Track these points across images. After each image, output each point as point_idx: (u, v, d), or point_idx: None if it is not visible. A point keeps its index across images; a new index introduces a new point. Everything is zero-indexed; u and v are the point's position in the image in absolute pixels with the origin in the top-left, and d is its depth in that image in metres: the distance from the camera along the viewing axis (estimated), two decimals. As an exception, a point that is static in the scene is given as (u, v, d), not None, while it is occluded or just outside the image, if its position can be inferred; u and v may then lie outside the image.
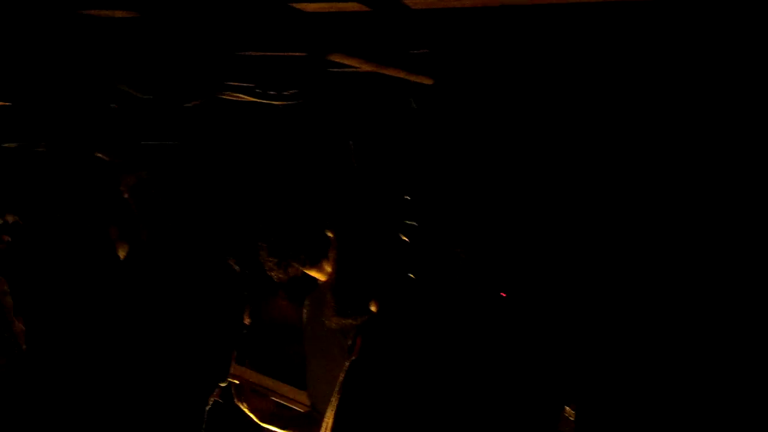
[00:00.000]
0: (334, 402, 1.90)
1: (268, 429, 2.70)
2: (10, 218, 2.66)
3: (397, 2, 1.40)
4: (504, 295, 2.46)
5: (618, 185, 2.46)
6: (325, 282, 2.29)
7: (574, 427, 2.37)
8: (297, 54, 1.96)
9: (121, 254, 2.40)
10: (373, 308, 2.05)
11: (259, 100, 2.16)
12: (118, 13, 1.60)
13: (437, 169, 2.29)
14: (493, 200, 2.39)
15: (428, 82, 1.90)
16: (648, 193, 2.44)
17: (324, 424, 1.91)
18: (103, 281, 2.10)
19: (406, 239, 2.05)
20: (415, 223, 2.05)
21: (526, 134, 2.34)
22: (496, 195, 2.36)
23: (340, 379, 1.92)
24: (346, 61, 1.54)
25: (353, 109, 2.34)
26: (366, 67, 1.60)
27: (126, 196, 2.27)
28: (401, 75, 1.76)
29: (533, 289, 2.63)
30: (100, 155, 2.25)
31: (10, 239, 2.52)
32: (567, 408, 2.33)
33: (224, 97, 2.19)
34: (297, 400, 2.64)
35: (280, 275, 2.78)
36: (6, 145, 2.57)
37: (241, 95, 2.13)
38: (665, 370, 2.46)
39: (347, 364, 1.96)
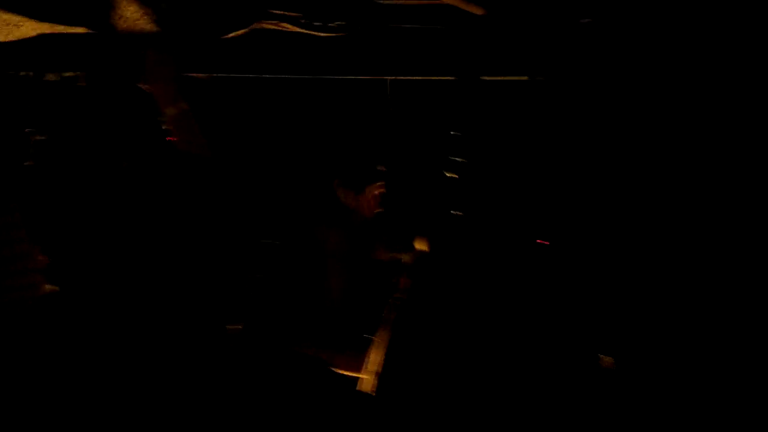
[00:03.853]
0: (384, 338, 1.90)
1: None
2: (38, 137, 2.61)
3: None
4: (546, 243, 2.44)
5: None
6: (373, 216, 2.27)
7: (614, 376, 2.36)
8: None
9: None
10: (420, 245, 2.04)
11: (303, 31, 2.11)
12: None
13: (484, 106, 2.25)
14: (540, 144, 2.35)
15: (479, 11, 1.84)
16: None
17: (371, 360, 1.91)
18: (133, 214, 2.04)
19: (454, 176, 2.02)
20: (462, 160, 2.03)
21: (578, 75, 2.29)
22: (544, 137, 2.32)
23: (387, 315, 1.92)
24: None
25: (397, 43, 2.28)
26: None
27: (166, 127, 2.25)
28: (453, 2, 1.71)
29: (574, 238, 2.60)
30: (142, 86, 2.22)
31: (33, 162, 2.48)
32: (604, 357, 2.33)
33: (267, 26, 2.14)
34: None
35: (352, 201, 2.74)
36: (48, 78, 2.55)
37: (286, 25, 2.08)
38: (706, 321, 2.44)
39: (397, 301, 1.95)
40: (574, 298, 2.30)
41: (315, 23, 2.06)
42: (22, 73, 2.45)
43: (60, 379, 1.39)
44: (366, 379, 1.96)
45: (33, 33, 1.86)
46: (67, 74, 2.85)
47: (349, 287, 3.21)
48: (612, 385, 2.28)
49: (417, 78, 2.36)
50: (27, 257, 2.33)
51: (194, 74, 2.37)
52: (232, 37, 2.11)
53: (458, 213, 2.07)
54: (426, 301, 1.91)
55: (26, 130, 2.37)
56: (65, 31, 1.90)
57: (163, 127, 2.22)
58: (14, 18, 1.70)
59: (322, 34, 2.12)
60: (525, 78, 2.10)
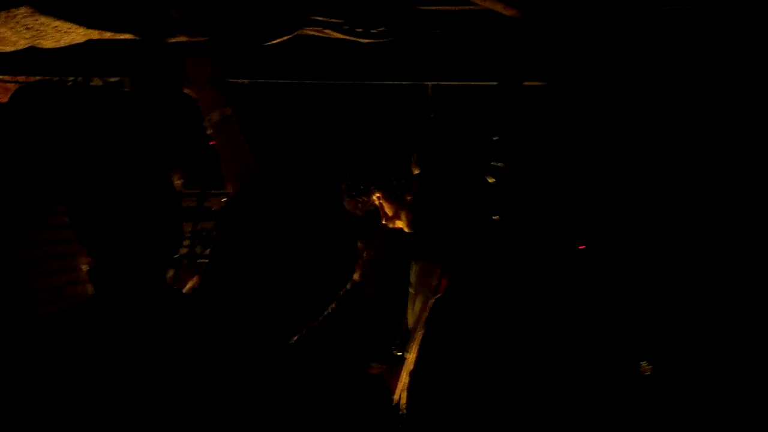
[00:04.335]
0: (418, 338, 1.91)
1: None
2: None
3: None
4: (583, 247, 2.43)
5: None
6: (409, 220, 2.29)
7: (649, 382, 2.34)
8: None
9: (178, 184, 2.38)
10: (458, 249, 2.04)
11: (346, 37, 2.13)
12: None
13: (524, 109, 2.25)
14: (581, 147, 2.34)
15: (514, 14, 1.84)
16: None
17: (407, 359, 1.92)
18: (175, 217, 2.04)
19: (492, 180, 2.02)
20: (501, 164, 2.02)
21: (616, 77, 2.27)
22: (585, 140, 2.31)
23: (424, 316, 1.93)
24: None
25: (438, 48, 2.29)
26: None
27: (209, 132, 2.27)
28: (490, 6, 1.71)
29: (612, 244, 2.58)
30: (187, 91, 2.25)
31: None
32: (643, 363, 2.30)
33: (310, 33, 2.16)
34: None
35: (356, 209, 2.82)
36: (93, 83, 2.61)
37: (328, 31, 2.09)
38: (747, 327, 2.40)
39: (431, 302, 1.96)
40: (612, 303, 2.28)
41: (357, 29, 2.08)
42: (70, 78, 2.52)
43: (100, 386, 1.40)
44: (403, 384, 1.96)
45: (82, 39, 1.90)
46: (112, 79, 2.92)
47: (384, 293, 3.22)
48: (650, 392, 2.26)
49: (458, 83, 2.36)
50: (72, 257, 2.37)
51: (237, 80, 2.40)
52: (274, 43, 2.13)
53: (498, 217, 2.07)
54: (464, 304, 1.90)
55: (78, 132, 2.42)
56: (113, 38, 1.94)
57: (207, 132, 2.26)
58: (65, 25, 1.74)
59: (364, 41, 2.14)
60: (564, 83, 2.09)
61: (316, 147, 3.27)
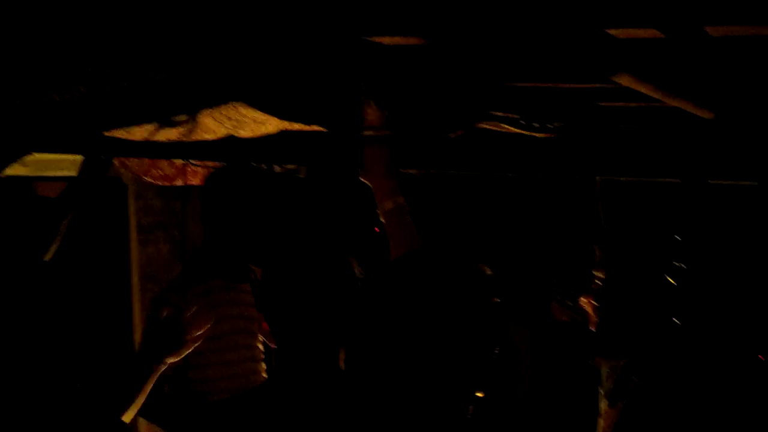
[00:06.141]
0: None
1: None
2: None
3: (697, 29, 1.32)
4: (762, 357, 2.27)
5: None
6: (587, 318, 2.23)
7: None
8: (567, 85, 1.93)
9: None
10: (634, 351, 1.97)
11: (521, 131, 2.14)
12: (395, 39, 1.63)
13: (709, 211, 2.16)
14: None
15: (708, 116, 1.79)
16: None
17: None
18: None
19: (673, 282, 1.94)
20: (683, 266, 1.94)
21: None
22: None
23: (611, 417, 1.85)
24: (633, 86, 1.47)
25: (615, 144, 2.26)
26: (655, 95, 1.53)
27: (382, 220, 2.33)
28: (681, 105, 1.67)
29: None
30: (363, 180, 2.32)
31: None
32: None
33: (486, 127, 2.20)
34: None
35: (565, 316, 2.75)
36: (276, 170, 2.75)
37: (504, 125, 2.12)
38: None
39: (607, 409, 1.88)
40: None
41: (534, 124, 2.09)
42: (255, 164, 2.68)
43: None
44: None
45: (274, 130, 2.02)
46: (289, 166, 3.07)
47: (531, 389, 3.13)
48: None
49: (633, 179, 2.31)
50: (252, 335, 2.46)
51: (411, 170, 2.46)
52: (453, 136, 2.18)
53: (678, 321, 1.98)
54: (648, 405, 1.82)
55: (264, 215, 2.55)
56: (301, 129, 2.04)
57: (380, 220, 2.31)
58: (262, 116, 1.85)
59: (539, 135, 2.15)
60: (755, 183, 2.00)
61: (482, 236, 3.28)
